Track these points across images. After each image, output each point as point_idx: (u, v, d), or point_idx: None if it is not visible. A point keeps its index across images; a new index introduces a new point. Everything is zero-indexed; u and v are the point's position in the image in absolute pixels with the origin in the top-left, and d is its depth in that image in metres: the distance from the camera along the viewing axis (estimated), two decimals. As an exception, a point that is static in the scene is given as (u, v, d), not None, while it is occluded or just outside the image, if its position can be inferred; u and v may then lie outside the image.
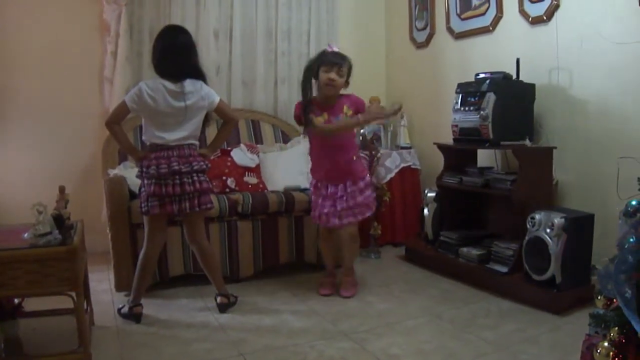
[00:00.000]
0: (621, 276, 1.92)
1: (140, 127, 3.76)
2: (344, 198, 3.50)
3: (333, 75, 3.37)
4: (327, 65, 3.39)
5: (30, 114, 4.33)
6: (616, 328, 1.98)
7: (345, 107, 3.48)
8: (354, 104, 3.53)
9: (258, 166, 4.28)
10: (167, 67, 3.07)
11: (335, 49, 3.53)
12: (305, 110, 3.43)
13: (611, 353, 1.93)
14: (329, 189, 3.54)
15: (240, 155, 4.24)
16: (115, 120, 3.04)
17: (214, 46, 4.75)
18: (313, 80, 3.46)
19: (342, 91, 3.53)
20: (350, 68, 3.46)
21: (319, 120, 3.43)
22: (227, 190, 3.99)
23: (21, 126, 4.31)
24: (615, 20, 3.34)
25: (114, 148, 4.11)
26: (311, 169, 3.69)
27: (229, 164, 4.12)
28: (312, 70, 3.44)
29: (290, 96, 5.10)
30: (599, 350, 1.96)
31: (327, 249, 3.75)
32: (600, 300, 2.14)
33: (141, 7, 4.46)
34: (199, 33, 4.57)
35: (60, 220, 2.55)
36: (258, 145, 4.52)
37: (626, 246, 1.97)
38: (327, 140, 3.50)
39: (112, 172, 3.81)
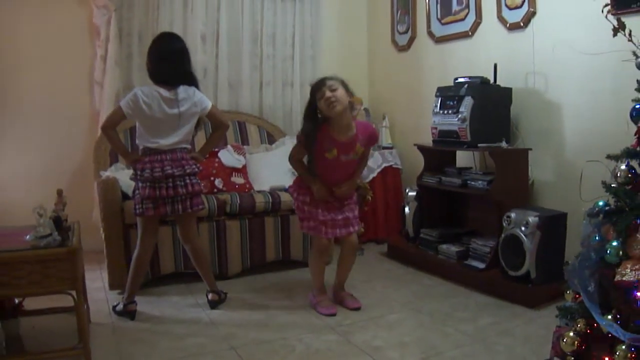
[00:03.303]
0: (585, 272, 2.08)
1: (131, 129, 3.88)
2: (348, 207, 3.38)
3: (328, 93, 3.12)
4: (317, 91, 3.18)
5: (22, 117, 4.40)
6: (583, 319, 2.14)
7: (357, 146, 3.28)
8: (368, 139, 3.36)
9: (244, 166, 4.38)
10: (162, 73, 3.16)
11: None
12: (309, 144, 3.25)
13: (576, 342, 2.09)
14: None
15: (228, 156, 4.35)
16: (111, 125, 3.13)
17: (201, 49, 4.84)
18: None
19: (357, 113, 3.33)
20: (343, 82, 3.22)
21: (327, 156, 3.23)
22: (216, 190, 4.11)
23: (13, 128, 4.38)
24: (587, 31, 3.45)
25: (105, 150, 4.19)
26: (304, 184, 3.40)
27: (216, 164, 4.23)
28: (311, 107, 3.25)
29: (275, 98, 5.23)
30: (565, 340, 2.12)
31: (322, 266, 3.51)
32: (569, 295, 2.30)
33: (130, 11, 4.55)
34: (186, 36, 4.59)
35: (58, 222, 2.66)
36: (244, 146, 4.62)
37: (591, 243, 2.14)
38: (344, 169, 3.33)
39: (105, 174, 3.89)
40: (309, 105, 3.28)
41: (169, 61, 3.16)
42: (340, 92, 3.16)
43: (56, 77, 4.47)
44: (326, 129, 3.24)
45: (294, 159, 3.40)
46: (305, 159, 3.40)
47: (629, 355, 1.88)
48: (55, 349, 2.66)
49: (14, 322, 2.85)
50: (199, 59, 4.77)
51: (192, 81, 3.25)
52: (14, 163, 4.42)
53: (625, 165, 2.14)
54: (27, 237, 2.53)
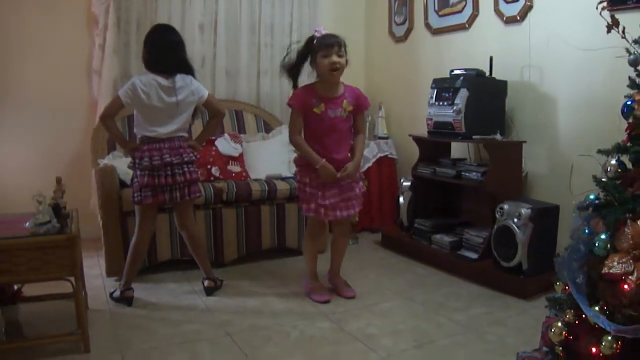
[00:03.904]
0: (574, 264, 2.13)
1: (128, 117, 3.91)
2: (347, 188, 3.32)
3: (334, 57, 3.13)
4: (325, 48, 3.15)
5: (21, 105, 4.41)
6: (571, 310, 2.18)
7: (345, 102, 3.27)
8: (356, 99, 3.33)
9: (241, 155, 4.41)
10: (159, 62, 3.19)
11: (323, 32, 3.26)
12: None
13: (563, 332, 2.14)
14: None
15: (224, 145, 4.37)
16: (110, 115, 3.15)
17: (199, 38, 4.86)
18: (306, 67, 3.30)
19: (345, 79, 3.34)
20: (345, 46, 3.23)
21: (315, 110, 3.22)
22: (212, 178, 4.14)
23: (12, 116, 4.39)
24: (582, 26, 3.48)
25: (102, 138, 4.21)
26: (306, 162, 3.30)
27: (213, 153, 4.26)
28: (304, 56, 3.26)
29: (272, 87, 5.25)
30: (552, 330, 2.17)
31: (315, 249, 3.55)
32: (559, 286, 2.34)
33: (129, 0, 4.56)
34: (184, 26, 4.68)
35: (57, 210, 2.69)
36: (241, 135, 4.65)
37: (581, 236, 2.18)
38: (335, 127, 3.26)
39: (102, 162, 3.93)
40: (303, 53, 3.27)
41: (165, 51, 3.20)
42: (344, 61, 3.21)
43: (54, 66, 4.47)
44: (313, 88, 3.28)
45: (293, 135, 3.30)
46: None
47: (615, 345, 1.93)
48: (54, 334, 2.70)
49: (13, 309, 2.88)
50: (196, 48, 4.80)
51: (188, 70, 3.28)
52: (13, 151, 4.44)
53: (616, 160, 2.18)
54: (27, 224, 2.56)
